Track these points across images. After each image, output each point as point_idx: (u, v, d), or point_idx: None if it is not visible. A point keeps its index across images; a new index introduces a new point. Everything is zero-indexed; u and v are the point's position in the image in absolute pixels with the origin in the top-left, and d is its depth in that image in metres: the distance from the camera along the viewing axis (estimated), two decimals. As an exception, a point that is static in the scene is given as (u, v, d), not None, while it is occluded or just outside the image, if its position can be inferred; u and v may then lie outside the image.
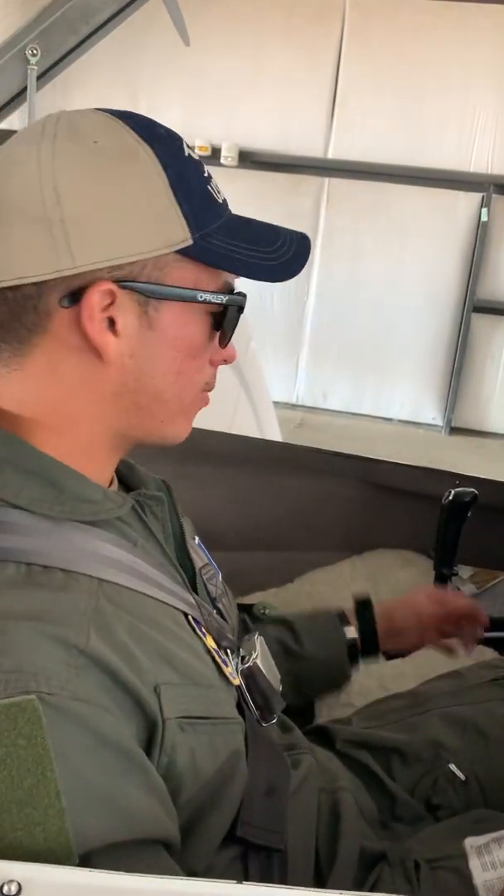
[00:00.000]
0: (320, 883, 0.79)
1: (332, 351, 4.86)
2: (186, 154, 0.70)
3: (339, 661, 1.10)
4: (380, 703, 1.14)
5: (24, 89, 1.29)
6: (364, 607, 1.13)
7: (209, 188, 0.71)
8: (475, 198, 4.46)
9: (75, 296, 0.65)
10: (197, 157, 0.72)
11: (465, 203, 4.49)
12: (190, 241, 0.67)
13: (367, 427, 4.77)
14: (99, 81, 4.31)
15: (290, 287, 4.71)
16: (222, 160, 4.56)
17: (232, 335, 0.75)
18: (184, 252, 0.68)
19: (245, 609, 1.31)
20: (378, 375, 4.83)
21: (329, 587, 1.60)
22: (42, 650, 0.57)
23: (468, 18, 4.25)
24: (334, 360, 4.87)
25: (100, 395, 0.70)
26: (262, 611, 1.33)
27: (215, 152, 4.56)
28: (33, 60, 1.24)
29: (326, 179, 4.64)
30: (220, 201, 0.72)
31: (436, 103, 4.40)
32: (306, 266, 0.78)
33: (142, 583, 0.70)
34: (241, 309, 0.74)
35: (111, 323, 0.67)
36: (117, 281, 0.66)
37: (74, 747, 0.56)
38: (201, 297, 0.70)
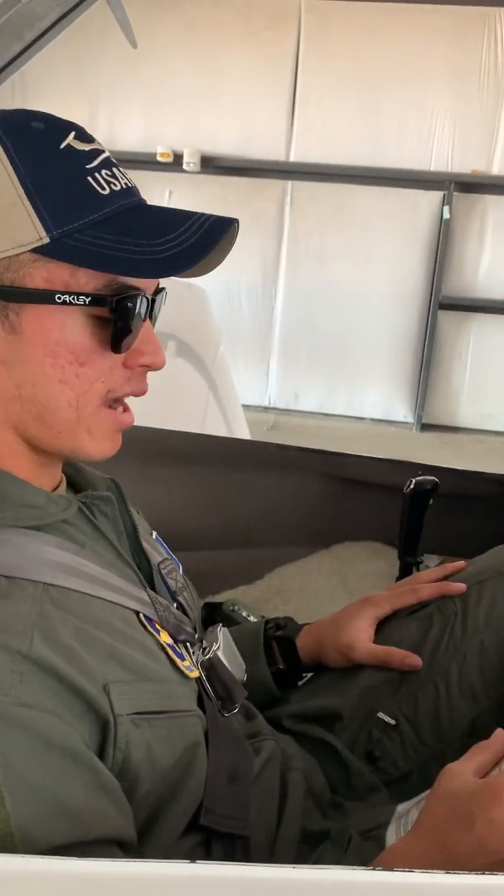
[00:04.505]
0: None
1: (302, 353, 4.89)
2: (62, 147, 0.66)
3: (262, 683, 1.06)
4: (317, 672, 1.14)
5: (-27, 96, 1.29)
6: (287, 644, 1.08)
7: (90, 179, 0.66)
8: (436, 196, 4.51)
9: None
10: (85, 149, 0.67)
11: (427, 201, 4.54)
12: (46, 240, 0.63)
13: (339, 427, 4.80)
14: (58, 90, 4.32)
15: (258, 290, 4.74)
16: (185, 166, 4.58)
17: (130, 339, 0.68)
18: (41, 251, 0.64)
19: (214, 607, 1.31)
20: (349, 375, 4.87)
21: (298, 582, 1.60)
22: None
23: (423, 20, 4.31)
24: (305, 361, 4.90)
25: None
26: (231, 608, 1.34)
27: (177, 158, 4.58)
28: (-22, 67, 1.24)
29: (290, 182, 4.68)
30: (107, 192, 0.67)
31: (394, 104, 4.46)
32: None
33: (89, 584, 0.70)
34: (132, 308, 0.67)
35: None
36: None
37: (18, 753, 0.57)
38: (59, 297, 0.64)
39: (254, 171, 4.65)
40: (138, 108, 4.60)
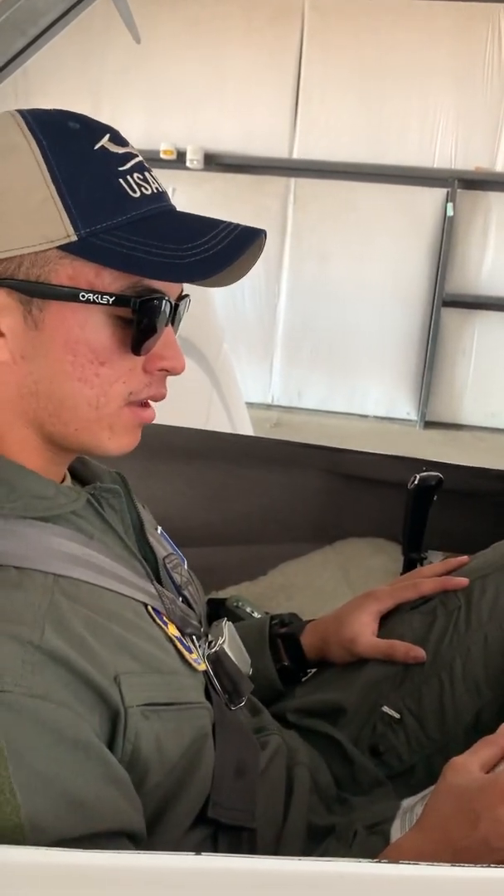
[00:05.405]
0: None
1: (305, 350, 4.89)
2: (96, 148, 0.67)
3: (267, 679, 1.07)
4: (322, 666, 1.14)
5: (-25, 92, 1.30)
6: (292, 642, 1.09)
7: (121, 181, 0.67)
8: (440, 193, 4.50)
9: None
10: (119, 152, 0.68)
11: (431, 199, 4.53)
12: (74, 238, 0.64)
13: (343, 424, 4.80)
14: (61, 87, 4.32)
15: (261, 288, 4.74)
16: (188, 163, 4.57)
17: (151, 342, 0.69)
18: (68, 248, 0.64)
19: (218, 603, 1.32)
20: (352, 373, 4.86)
21: (301, 578, 1.61)
22: None
23: (427, 16, 4.30)
24: (308, 359, 4.90)
25: (8, 398, 0.69)
26: (235, 604, 1.34)
27: (181, 156, 4.58)
28: (-19, 63, 1.24)
29: (293, 179, 4.67)
30: (138, 196, 0.67)
31: (398, 101, 4.45)
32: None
33: (99, 576, 0.70)
34: (154, 311, 0.67)
35: None
36: None
37: (30, 744, 0.57)
38: (83, 295, 0.65)
39: (257, 168, 4.64)
40: (141, 104, 4.60)
